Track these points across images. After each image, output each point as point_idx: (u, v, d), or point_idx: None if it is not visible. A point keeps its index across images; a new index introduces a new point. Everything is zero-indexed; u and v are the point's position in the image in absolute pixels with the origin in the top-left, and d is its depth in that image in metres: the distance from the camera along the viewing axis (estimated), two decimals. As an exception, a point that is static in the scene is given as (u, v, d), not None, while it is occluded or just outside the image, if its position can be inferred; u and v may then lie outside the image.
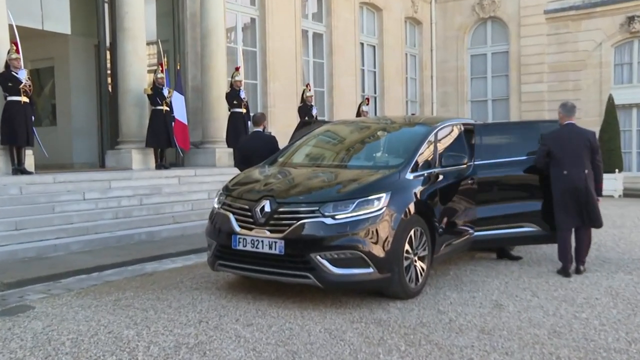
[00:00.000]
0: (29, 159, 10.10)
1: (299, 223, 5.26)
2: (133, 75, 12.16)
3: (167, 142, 12.20)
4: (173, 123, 12.35)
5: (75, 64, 14.86)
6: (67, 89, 15.02)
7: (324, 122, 9.00)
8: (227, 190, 6.14)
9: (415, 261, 5.74)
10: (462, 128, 7.28)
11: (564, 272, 6.72)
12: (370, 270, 5.24)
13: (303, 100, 14.71)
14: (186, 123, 12.93)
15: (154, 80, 12.28)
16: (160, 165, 12.21)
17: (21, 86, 9.79)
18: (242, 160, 8.08)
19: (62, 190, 9.75)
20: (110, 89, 13.65)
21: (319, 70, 18.40)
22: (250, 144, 8.14)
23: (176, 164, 13.82)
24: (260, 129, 8.30)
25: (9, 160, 9.93)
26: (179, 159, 14.05)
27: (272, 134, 9.12)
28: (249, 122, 13.28)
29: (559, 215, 6.72)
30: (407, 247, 5.56)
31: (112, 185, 10.50)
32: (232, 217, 5.66)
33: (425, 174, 6.13)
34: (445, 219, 6.28)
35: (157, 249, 8.47)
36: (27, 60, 12.78)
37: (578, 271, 6.73)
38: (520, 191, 7.15)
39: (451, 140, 7.01)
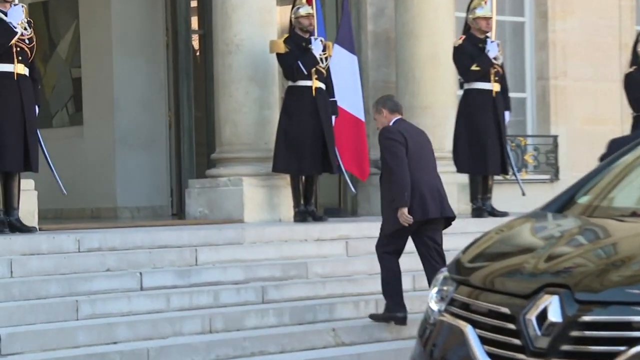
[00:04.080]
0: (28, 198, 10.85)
1: (633, 352, 4.95)
2: (246, 13, 12.79)
3: (319, 162, 12.65)
4: (334, 118, 12.76)
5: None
6: (106, 45, 15.84)
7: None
8: (458, 270, 6.06)
9: None
10: None
11: None
12: None
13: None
14: (362, 118, 13.36)
15: (291, 23, 12.92)
16: (305, 212, 12.78)
17: None
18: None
19: (95, 266, 10.38)
20: (196, 45, 14.36)
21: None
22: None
23: (340, 211, 14.17)
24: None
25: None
26: (345, 199, 14.40)
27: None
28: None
29: None
30: None
31: (199, 257, 11.01)
32: (471, 333, 5.51)
33: None
34: None
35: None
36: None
37: None
38: None
39: None
